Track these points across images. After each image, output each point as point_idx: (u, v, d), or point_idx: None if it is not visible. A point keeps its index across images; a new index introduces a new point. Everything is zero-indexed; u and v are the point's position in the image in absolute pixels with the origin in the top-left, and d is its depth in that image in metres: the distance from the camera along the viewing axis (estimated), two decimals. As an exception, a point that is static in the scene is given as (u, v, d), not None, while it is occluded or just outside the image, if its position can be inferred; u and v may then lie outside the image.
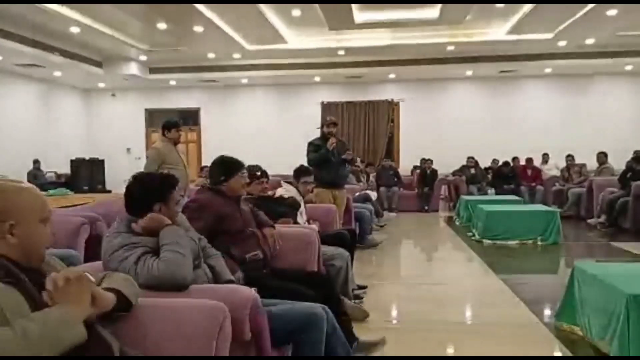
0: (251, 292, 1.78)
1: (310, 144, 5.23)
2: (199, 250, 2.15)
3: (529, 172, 10.28)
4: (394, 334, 3.46)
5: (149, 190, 2.02)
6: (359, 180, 8.59)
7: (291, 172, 4.54)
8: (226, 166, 2.86)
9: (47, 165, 10.61)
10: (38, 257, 1.34)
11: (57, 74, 10.65)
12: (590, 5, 7.38)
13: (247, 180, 3.03)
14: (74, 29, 8.08)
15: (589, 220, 7.91)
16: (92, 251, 3.50)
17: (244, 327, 1.68)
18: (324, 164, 5.04)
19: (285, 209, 3.68)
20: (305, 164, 4.86)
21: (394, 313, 3.88)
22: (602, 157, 9.08)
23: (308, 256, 3.03)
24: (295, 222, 3.74)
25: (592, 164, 9.48)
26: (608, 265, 3.51)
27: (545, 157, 10.95)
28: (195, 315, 1.54)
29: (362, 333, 3.26)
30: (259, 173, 3.57)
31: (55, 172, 10.98)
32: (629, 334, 2.53)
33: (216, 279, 2.17)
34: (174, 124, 5.44)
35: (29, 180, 5.34)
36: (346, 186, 6.48)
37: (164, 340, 1.44)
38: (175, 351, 1.46)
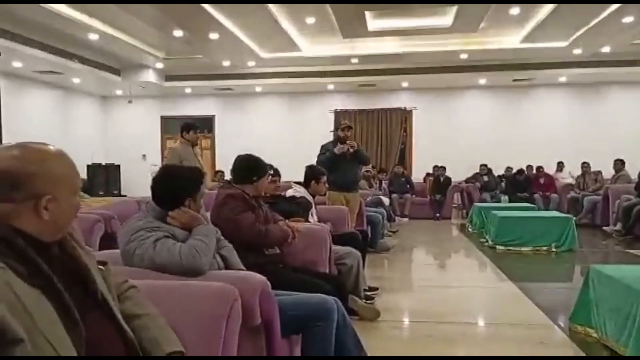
0: (262, 277, 1.80)
1: (322, 147, 5.25)
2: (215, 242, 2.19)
3: (541, 180, 10.19)
4: (406, 333, 3.45)
5: (181, 186, 2.06)
6: (370, 186, 8.59)
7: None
8: (258, 166, 2.91)
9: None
10: (64, 232, 1.21)
11: (76, 80, 10.84)
12: (606, 13, 7.34)
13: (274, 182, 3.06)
14: (93, 36, 8.23)
15: (605, 228, 7.81)
16: (107, 249, 3.54)
17: (254, 311, 1.70)
18: (335, 166, 5.03)
19: (297, 208, 3.70)
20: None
21: (406, 314, 3.86)
22: (618, 164, 8.98)
23: (319, 253, 3.05)
24: (307, 222, 3.75)
25: (607, 171, 9.37)
26: (624, 267, 3.47)
27: (560, 165, 10.86)
28: (207, 296, 1.56)
29: (374, 332, 3.27)
30: (271, 172, 3.60)
31: (72, 178, 11.13)
32: (645, 334, 2.50)
33: (228, 268, 2.19)
34: (192, 126, 5.56)
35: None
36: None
37: (175, 320, 1.46)
38: (186, 331, 1.47)
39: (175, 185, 2.05)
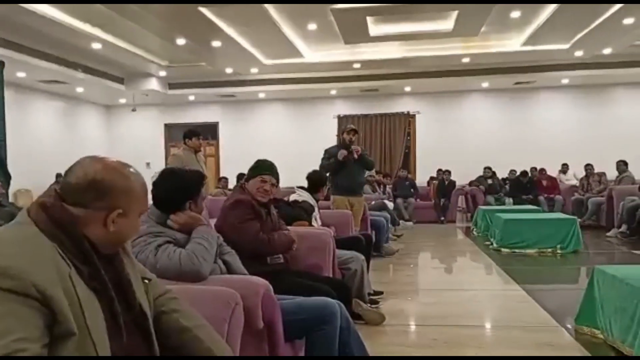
0: (264, 281, 1.81)
1: (325, 151, 5.25)
2: (217, 247, 2.19)
3: (545, 182, 10.17)
4: (412, 337, 3.45)
5: (182, 188, 2.06)
6: (374, 191, 8.59)
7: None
8: (253, 166, 2.91)
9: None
10: (121, 246, 1.27)
11: (80, 90, 10.91)
12: (606, 15, 7.34)
13: (267, 187, 2.84)
14: (96, 46, 8.29)
15: (608, 234, 7.72)
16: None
17: (257, 315, 1.71)
18: (340, 170, 5.03)
19: (300, 212, 3.70)
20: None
21: (412, 318, 3.85)
22: (621, 165, 8.94)
23: (323, 257, 3.05)
24: (311, 226, 3.76)
25: (611, 173, 9.34)
26: (628, 267, 3.45)
27: (564, 167, 10.83)
28: (208, 301, 1.57)
29: (379, 337, 3.27)
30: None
31: (77, 186, 11.19)
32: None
33: (230, 273, 2.19)
34: (195, 133, 5.58)
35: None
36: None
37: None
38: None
39: (175, 187, 2.05)
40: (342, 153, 5.01)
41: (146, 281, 1.34)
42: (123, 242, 1.27)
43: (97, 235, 1.17)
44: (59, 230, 1.11)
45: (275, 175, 2.91)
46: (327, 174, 4.72)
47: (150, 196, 2.04)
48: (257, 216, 2.75)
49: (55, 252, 1.08)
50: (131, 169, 1.26)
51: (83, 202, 1.15)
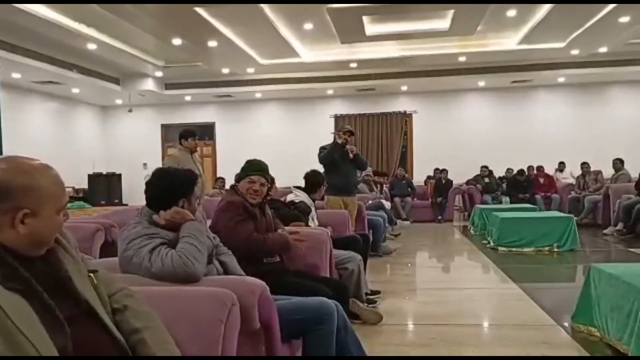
0: (260, 281, 1.80)
1: (322, 147, 5.25)
2: (213, 248, 2.18)
3: (542, 180, 10.19)
4: (409, 336, 3.45)
5: (174, 186, 2.04)
6: (371, 190, 8.59)
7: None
8: (243, 167, 2.90)
9: (65, 180, 10.65)
10: (45, 247, 1.21)
11: (75, 90, 10.88)
12: (602, 13, 7.35)
13: (256, 187, 2.82)
14: (91, 46, 8.27)
15: (605, 231, 7.74)
16: (107, 257, 3.54)
17: (253, 316, 1.69)
18: (334, 169, 5.03)
19: (297, 213, 3.70)
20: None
21: (409, 317, 3.86)
22: (618, 163, 8.97)
23: (320, 257, 3.04)
24: (307, 227, 3.75)
25: (607, 171, 9.37)
26: (624, 265, 3.46)
27: (561, 166, 10.86)
28: (204, 302, 1.56)
29: (376, 336, 3.27)
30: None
31: (74, 187, 11.16)
32: (647, 332, 2.49)
33: (227, 274, 2.18)
34: (191, 133, 5.55)
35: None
36: (359, 195, 6.50)
37: (172, 326, 1.46)
38: (183, 337, 1.47)
39: (167, 186, 2.03)
40: (340, 137, 5.03)
41: (91, 275, 1.31)
42: (44, 242, 1.20)
43: (9, 238, 1.13)
44: None
45: (265, 174, 2.89)
46: (324, 176, 4.69)
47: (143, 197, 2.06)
48: (250, 217, 2.74)
49: None
50: (37, 164, 1.20)
51: None
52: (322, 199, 4.89)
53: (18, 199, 1.13)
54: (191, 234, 1.91)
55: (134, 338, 1.31)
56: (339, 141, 5.05)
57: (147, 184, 2.07)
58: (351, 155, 5.08)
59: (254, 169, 2.86)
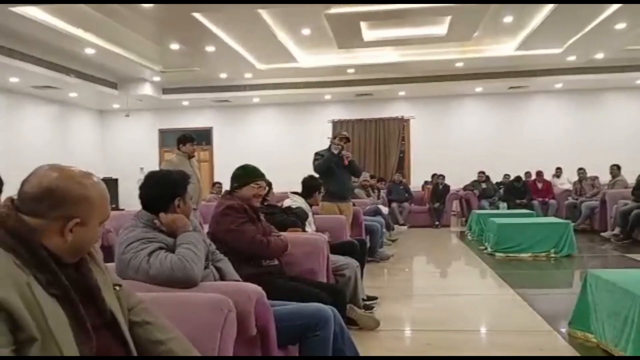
0: (257, 287, 1.80)
1: (316, 153, 5.24)
2: (208, 253, 2.18)
3: (540, 185, 10.21)
4: (406, 342, 3.44)
5: (169, 185, 2.05)
6: (368, 195, 8.59)
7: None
8: (242, 173, 2.89)
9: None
10: (82, 255, 1.26)
11: (73, 95, 10.86)
12: (598, 20, 7.39)
13: (262, 191, 2.93)
14: (89, 51, 8.27)
15: (603, 234, 7.80)
16: (104, 262, 3.53)
17: (250, 322, 1.69)
18: (330, 175, 5.02)
19: (294, 218, 3.70)
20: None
21: (406, 323, 3.85)
22: (615, 169, 9.00)
23: (317, 262, 3.04)
24: (304, 232, 3.75)
25: (604, 177, 9.39)
26: (620, 271, 3.47)
27: (558, 172, 10.88)
28: (200, 307, 1.56)
29: (373, 342, 3.26)
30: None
31: (70, 192, 11.13)
32: (643, 337, 2.50)
33: (223, 279, 2.18)
34: (189, 139, 5.55)
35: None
36: (356, 200, 6.50)
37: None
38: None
39: (160, 186, 2.04)
40: (337, 147, 5.03)
41: (117, 287, 1.34)
42: (83, 251, 1.25)
43: (55, 244, 1.16)
44: (14, 240, 1.11)
45: (264, 178, 2.97)
46: (321, 181, 4.69)
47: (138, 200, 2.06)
48: (251, 220, 2.75)
49: (10, 262, 1.08)
50: (90, 177, 1.24)
51: (38, 211, 1.15)
52: (317, 204, 4.88)
53: (73, 208, 1.17)
54: (189, 241, 1.93)
55: (161, 349, 1.35)
56: (335, 152, 5.04)
57: (141, 187, 2.08)
58: (346, 162, 5.09)
59: (258, 174, 2.91)
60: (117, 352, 1.25)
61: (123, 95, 11.13)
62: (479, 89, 11.49)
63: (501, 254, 6.36)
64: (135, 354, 1.29)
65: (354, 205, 5.63)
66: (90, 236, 1.23)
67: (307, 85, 11.05)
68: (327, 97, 11.96)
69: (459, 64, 9.81)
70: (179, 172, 2.15)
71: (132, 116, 12.52)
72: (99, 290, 1.25)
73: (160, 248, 1.88)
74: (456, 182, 10.72)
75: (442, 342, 3.27)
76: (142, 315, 1.40)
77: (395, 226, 8.96)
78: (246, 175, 2.88)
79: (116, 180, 12.06)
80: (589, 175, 9.53)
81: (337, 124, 12.12)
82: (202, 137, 12.74)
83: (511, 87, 11.22)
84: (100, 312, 1.23)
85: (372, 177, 9.49)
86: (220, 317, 1.54)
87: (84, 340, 1.13)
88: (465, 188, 10.56)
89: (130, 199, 11.34)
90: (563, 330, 3.38)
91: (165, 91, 11.61)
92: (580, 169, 9.64)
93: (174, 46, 8.29)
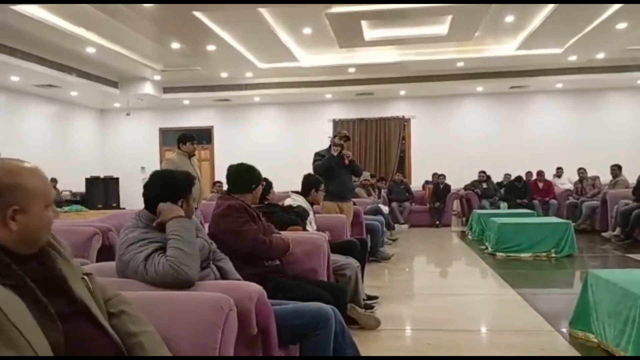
0: (257, 286, 1.79)
1: (316, 154, 5.24)
2: (209, 252, 2.17)
3: (541, 185, 10.20)
4: (407, 342, 3.44)
5: (172, 187, 2.04)
6: (369, 195, 8.59)
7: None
8: (255, 174, 2.92)
9: (63, 184, 10.77)
10: (38, 244, 1.26)
11: (74, 94, 10.87)
12: (599, 20, 7.39)
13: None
14: (90, 50, 8.27)
15: (604, 234, 7.80)
16: (105, 261, 3.53)
17: (250, 321, 1.69)
18: (330, 175, 5.01)
19: (294, 217, 3.69)
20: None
21: (407, 322, 3.85)
22: (615, 169, 8.98)
23: (318, 262, 3.04)
24: (305, 231, 3.74)
25: (605, 177, 9.39)
26: (621, 271, 3.47)
27: (559, 171, 10.87)
28: (201, 307, 1.55)
29: (374, 341, 3.26)
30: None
31: (71, 191, 11.14)
32: (644, 337, 2.49)
33: (224, 278, 2.18)
34: (189, 138, 5.55)
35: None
36: (357, 200, 6.50)
37: (169, 331, 1.45)
38: (180, 342, 1.47)
39: (165, 187, 2.03)
40: (336, 149, 5.03)
41: (85, 277, 1.35)
42: (36, 239, 1.25)
43: (2, 236, 1.17)
44: None
45: None
46: (321, 178, 4.68)
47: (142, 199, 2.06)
48: (252, 219, 2.75)
49: None
50: (23, 164, 1.25)
51: None
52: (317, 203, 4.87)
53: (8, 197, 1.18)
54: (176, 235, 1.86)
55: (131, 341, 1.35)
56: (334, 154, 5.04)
57: (145, 186, 2.07)
58: (346, 161, 5.08)
59: (261, 176, 2.98)
60: (98, 340, 1.26)
61: (124, 94, 11.14)
62: (479, 89, 11.49)
63: (502, 254, 6.36)
64: (116, 337, 1.30)
65: (354, 204, 5.62)
66: (37, 222, 1.22)
67: (308, 85, 11.05)
68: (328, 96, 11.96)
69: (460, 64, 9.80)
70: (184, 174, 2.13)
71: (133, 115, 12.53)
72: (65, 280, 1.26)
73: (157, 250, 1.85)
74: (457, 181, 10.72)
75: (442, 341, 3.27)
76: (119, 306, 1.41)
77: (396, 225, 8.96)
78: (256, 177, 2.92)
79: (117, 179, 12.07)
80: (589, 175, 9.52)
81: (337, 124, 12.12)
82: (203, 136, 12.74)
83: (512, 87, 11.22)
84: (71, 301, 1.24)
85: (372, 176, 9.49)
86: (221, 316, 1.53)
87: (50, 325, 1.14)
88: (466, 188, 10.56)
89: (131, 198, 11.38)
90: (564, 330, 3.38)
91: (166, 90, 11.61)
92: (580, 168, 9.63)
93: (175, 45, 8.29)
